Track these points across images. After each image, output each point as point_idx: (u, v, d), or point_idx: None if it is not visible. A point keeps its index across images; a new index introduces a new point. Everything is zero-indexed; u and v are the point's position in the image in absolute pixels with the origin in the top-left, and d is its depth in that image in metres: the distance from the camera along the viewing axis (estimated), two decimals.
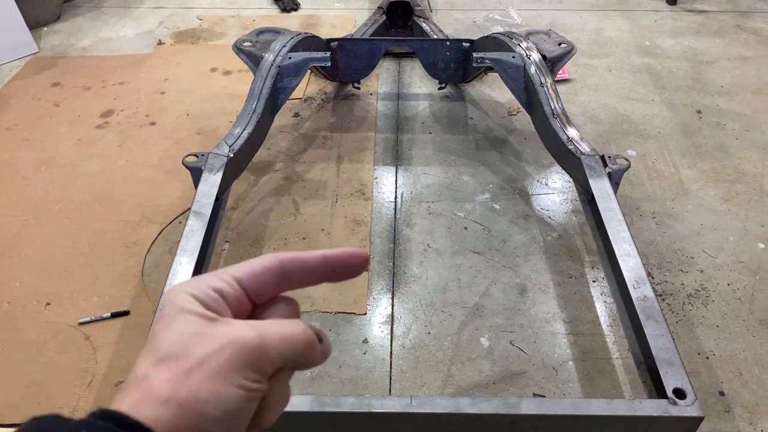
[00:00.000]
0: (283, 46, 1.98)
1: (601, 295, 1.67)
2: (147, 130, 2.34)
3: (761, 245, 1.83)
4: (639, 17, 3.18)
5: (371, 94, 2.54)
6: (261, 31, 2.17)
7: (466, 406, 1.09)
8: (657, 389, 1.16)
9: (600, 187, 1.60)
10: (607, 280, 1.65)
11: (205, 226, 1.47)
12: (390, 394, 1.44)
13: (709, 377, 1.47)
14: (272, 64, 1.93)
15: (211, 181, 1.60)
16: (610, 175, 1.63)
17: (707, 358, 1.52)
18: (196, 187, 1.60)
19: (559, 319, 1.61)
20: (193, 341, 0.38)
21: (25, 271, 1.75)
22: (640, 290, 1.31)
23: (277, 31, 2.16)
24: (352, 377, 1.48)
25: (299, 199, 2.00)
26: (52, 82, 2.64)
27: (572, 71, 2.66)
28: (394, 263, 1.78)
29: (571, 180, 1.95)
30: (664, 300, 1.66)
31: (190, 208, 1.53)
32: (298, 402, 1.11)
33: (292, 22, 3.19)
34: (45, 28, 3.09)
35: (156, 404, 0.36)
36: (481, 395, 1.43)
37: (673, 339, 1.22)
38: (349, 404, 1.10)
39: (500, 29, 3.03)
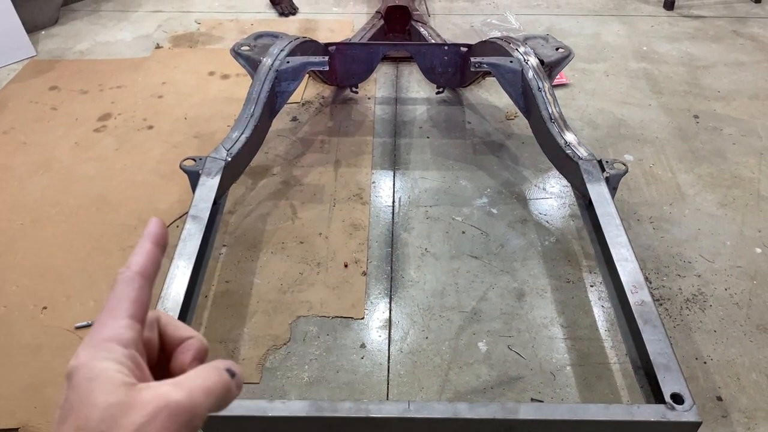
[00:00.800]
0: (281, 50, 1.99)
1: (599, 299, 1.67)
2: (144, 133, 2.33)
3: (758, 250, 1.83)
4: (636, 22, 3.19)
5: (369, 99, 2.54)
6: (259, 35, 2.17)
7: (464, 411, 1.09)
8: (655, 394, 1.16)
9: (597, 191, 1.60)
10: (605, 285, 1.65)
11: (203, 230, 1.47)
12: (387, 399, 1.44)
13: (706, 382, 1.47)
14: (270, 68, 1.93)
15: (209, 185, 1.60)
16: (607, 180, 1.63)
17: (705, 363, 1.52)
18: (193, 191, 1.60)
19: (556, 324, 1.61)
20: (122, 412, 0.36)
21: (21, 275, 1.74)
22: (637, 295, 1.31)
23: (275, 35, 2.16)
24: (349, 382, 1.48)
25: (297, 203, 1.99)
26: (50, 86, 2.64)
27: (569, 76, 2.66)
28: (391, 267, 1.77)
29: (568, 184, 1.95)
30: (661, 305, 1.66)
31: (187, 212, 1.53)
32: (295, 407, 1.10)
33: (290, 26, 3.19)
34: (43, 32, 3.09)
35: None
36: (479, 400, 1.43)
37: (671, 344, 1.22)
38: (346, 409, 1.10)
39: (498, 34, 3.04)
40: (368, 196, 2.03)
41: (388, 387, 1.47)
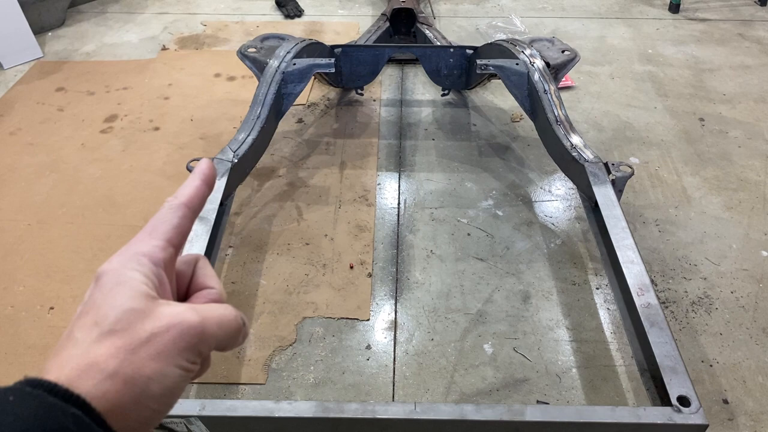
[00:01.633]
0: (288, 53, 1.99)
1: (605, 302, 1.67)
2: (150, 135, 2.34)
3: (764, 253, 1.82)
4: (641, 25, 3.19)
5: (374, 101, 2.55)
6: (265, 37, 2.17)
7: (470, 412, 1.09)
8: (661, 397, 1.16)
9: (603, 194, 1.60)
10: (611, 287, 1.65)
11: (209, 231, 1.47)
12: (393, 401, 1.44)
13: (712, 385, 1.47)
14: (277, 70, 1.93)
15: (216, 187, 1.60)
16: (613, 183, 1.63)
17: (711, 366, 1.51)
18: None
19: (562, 326, 1.61)
20: (139, 318, 0.38)
21: (28, 276, 1.75)
22: (644, 297, 1.31)
23: (281, 38, 2.17)
24: (355, 383, 1.48)
25: (302, 204, 2.00)
26: (56, 87, 2.65)
27: (575, 78, 2.66)
28: (397, 269, 1.78)
29: (574, 187, 1.95)
30: (667, 307, 1.66)
31: None
32: (301, 408, 1.11)
33: (295, 28, 3.20)
34: (49, 33, 3.11)
35: (100, 378, 0.36)
36: (485, 402, 1.43)
37: (677, 346, 1.22)
38: (352, 410, 1.10)
39: (503, 36, 3.04)
40: (374, 197, 2.03)
41: (393, 388, 1.47)
